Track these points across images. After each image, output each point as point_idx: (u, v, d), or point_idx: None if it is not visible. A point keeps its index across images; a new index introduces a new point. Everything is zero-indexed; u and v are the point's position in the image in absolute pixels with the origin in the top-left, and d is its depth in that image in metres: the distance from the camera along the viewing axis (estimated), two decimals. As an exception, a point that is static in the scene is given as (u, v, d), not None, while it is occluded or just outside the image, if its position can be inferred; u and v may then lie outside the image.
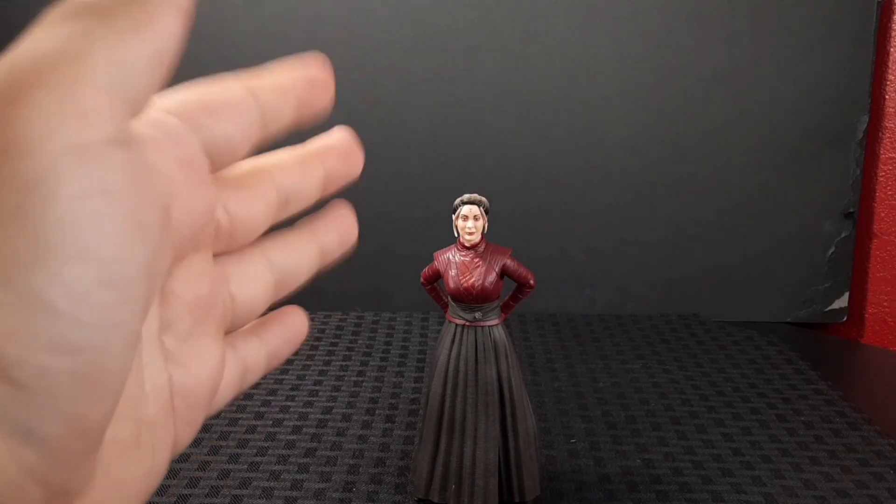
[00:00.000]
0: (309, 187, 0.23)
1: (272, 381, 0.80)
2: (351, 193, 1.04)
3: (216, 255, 0.21)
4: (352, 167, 0.25)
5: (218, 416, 0.72)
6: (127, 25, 0.16)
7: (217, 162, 0.20)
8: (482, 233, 0.56)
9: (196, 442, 0.68)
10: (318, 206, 0.25)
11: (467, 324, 0.56)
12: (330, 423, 0.72)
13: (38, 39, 0.16)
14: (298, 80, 0.22)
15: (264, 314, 0.24)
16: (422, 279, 0.59)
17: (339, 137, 0.25)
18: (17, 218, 0.14)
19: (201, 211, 0.19)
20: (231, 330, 0.22)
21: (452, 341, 0.57)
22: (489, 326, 0.56)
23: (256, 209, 0.22)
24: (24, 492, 0.15)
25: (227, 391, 0.23)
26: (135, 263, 0.16)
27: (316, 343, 0.90)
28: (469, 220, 0.55)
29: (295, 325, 0.25)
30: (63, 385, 0.15)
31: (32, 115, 0.14)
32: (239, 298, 0.22)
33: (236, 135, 0.20)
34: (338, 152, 0.24)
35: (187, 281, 0.20)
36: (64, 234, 0.15)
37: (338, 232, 0.25)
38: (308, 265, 0.24)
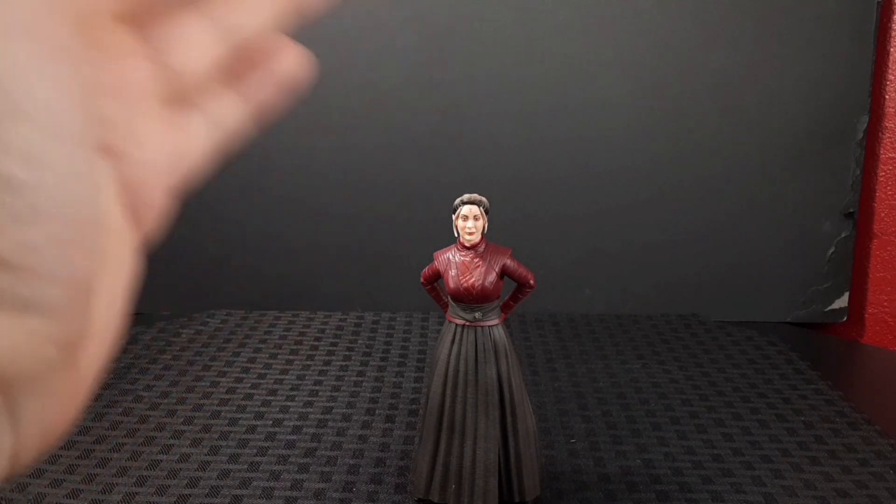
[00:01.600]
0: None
1: (272, 381, 0.80)
2: (351, 194, 1.05)
3: (136, 23, 0.19)
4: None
5: (217, 415, 0.72)
6: None
7: None
8: (482, 233, 0.56)
9: (196, 442, 0.68)
10: None
11: (467, 324, 0.56)
12: (330, 423, 0.72)
13: None
14: None
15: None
16: (422, 279, 0.59)
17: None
18: None
19: None
20: (178, 96, 0.20)
21: (452, 341, 0.57)
22: (489, 326, 0.56)
23: None
24: (39, 353, 0.15)
25: (199, 154, 0.21)
26: (73, 101, 0.15)
27: (316, 343, 0.90)
28: (469, 220, 0.55)
29: (284, 64, 0.23)
30: (45, 251, 0.15)
31: None
32: (174, 64, 0.20)
33: None
34: None
35: (102, 63, 0.18)
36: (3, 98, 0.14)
37: None
38: (265, 11, 0.21)
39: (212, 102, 0.21)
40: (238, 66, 0.22)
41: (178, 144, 0.20)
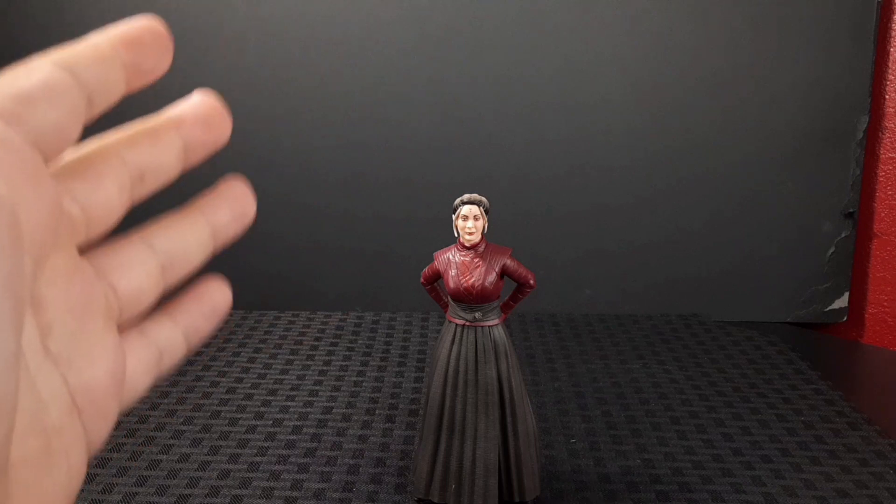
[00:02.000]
0: (165, 159, 0.22)
1: (272, 381, 0.80)
2: (351, 194, 1.05)
3: (86, 250, 0.21)
4: (215, 133, 0.23)
5: (217, 415, 0.72)
6: None
7: (49, 153, 0.19)
8: (482, 233, 0.56)
9: (196, 442, 0.68)
10: (209, 184, 0.24)
11: (467, 324, 0.56)
12: (330, 423, 0.72)
13: None
14: (121, 41, 0.20)
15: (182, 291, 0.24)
16: (422, 279, 0.59)
17: (197, 102, 0.23)
18: None
19: (47, 209, 0.18)
20: (125, 320, 0.22)
21: (452, 341, 0.57)
22: (489, 326, 0.56)
23: (108, 192, 0.20)
24: None
25: (140, 379, 0.22)
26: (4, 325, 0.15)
27: (316, 343, 0.90)
28: (469, 220, 0.55)
29: (214, 298, 0.24)
30: None
31: None
32: (120, 288, 0.21)
33: (62, 120, 0.19)
34: (196, 118, 0.23)
35: (55, 283, 0.19)
36: None
37: (230, 208, 0.24)
38: (198, 246, 0.23)
39: (152, 327, 0.23)
40: (176, 297, 0.23)
41: (124, 366, 0.21)
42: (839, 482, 0.63)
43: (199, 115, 0.23)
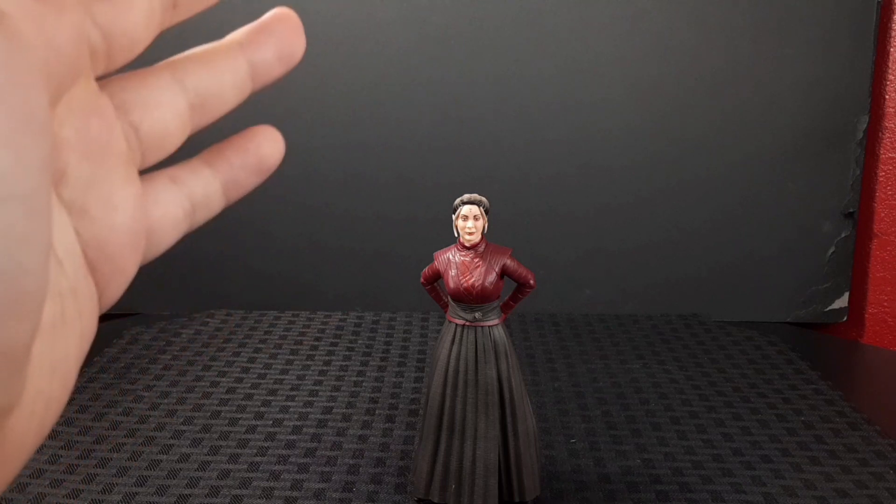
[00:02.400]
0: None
1: (272, 381, 0.80)
2: (351, 194, 1.05)
3: (106, 83, 0.18)
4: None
5: (217, 415, 0.72)
6: None
7: None
8: (482, 233, 0.56)
9: (196, 442, 0.68)
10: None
11: (467, 324, 0.56)
12: (330, 423, 0.72)
13: None
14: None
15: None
16: (422, 279, 0.59)
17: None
18: None
19: (69, 33, 0.16)
20: (147, 164, 0.19)
21: (452, 341, 0.57)
22: (489, 326, 0.56)
23: (134, 16, 0.18)
24: None
25: (167, 230, 0.20)
26: (32, 167, 0.14)
27: (316, 343, 0.90)
28: (469, 220, 0.55)
29: (261, 148, 0.22)
30: None
31: None
32: (143, 128, 0.19)
33: None
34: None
35: (71, 120, 0.17)
36: None
37: (275, 45, 0.21)
38: (234, 83, 0.20)
39: (186, 175, 0.21)
40: (219, 145, 0.21)
41: (150, 212, 0.19)
42: (839, 482, 0.63)
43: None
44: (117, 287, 0.18)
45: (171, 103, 0.19)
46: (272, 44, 0.21)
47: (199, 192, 0.21)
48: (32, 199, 0.14)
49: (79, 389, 0.76)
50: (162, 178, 0.20)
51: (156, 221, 0.19)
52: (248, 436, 0.69)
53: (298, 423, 0.71)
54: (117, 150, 0.18)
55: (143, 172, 0.20)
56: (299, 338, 0.91)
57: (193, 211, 0.21)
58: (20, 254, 0.13)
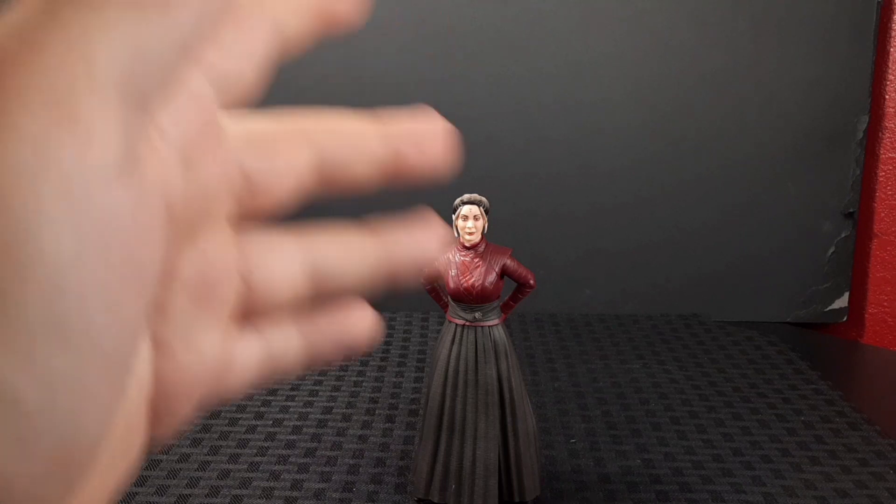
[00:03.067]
0: (360, 159, 0.19)
1: (272, 381, 0.80)
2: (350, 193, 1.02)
3: (237, 230, 0.18)
4: (430, 160, 0.20)
5: (217, 415, 0.72)
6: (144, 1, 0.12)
7: (227, 100, 0.16)
8: (482, 233, 0.56)
9: (196, 442, 0.68)
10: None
11: (467, 324, 0.56)
12: (330, 423, 0.72)
13: (12, 21, 0.12)
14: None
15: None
16: (422, 279, 0.59)
17: (418, 116, 0.20)
18: None
19: (213, 179, 0.16)
20: (245, 316, 0.19)
21: (452, 341, 0.57)
22: (489, 326, 0.56)
23: (282, 167, 0.18)
24: None
25: (241, 377, 0.19)
26: (126, 327, 0.13)
27: (316, 343, 0.90)
28: (469, 220, 0.55)
29: (349, 327, 0.20)
30: (29, 486, 0.12)
31: (8, 135, 0.11)
32: (255, 281, 0.18)
33: (248, 69, 0.17)
34: (410, 133, 0.20)
35: (193, 258, 0.16)
36: (43, 308, 0.12)
37: (415, 240, 0.20)
38: (359, 267, 0.20)
39: (273, 331, 0.19)
40: (313, 307, 0.20)
41: (226, 360, 0.18)
42: (839, 482, 0.63)
43: (414, 130, 0.20)
44: (167, 429, 0.17)
45: (287, 264, 0.19)
46: (409, 249, 0.20)
47: (278, 347, 0.20)
48: (113, 357, 0.13)
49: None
50: (246, 326, 0.19)
51: (229, 369, 0.19)
52: (249, 436, 0.69)
53: (298, 423, 0.71)
54: (222, 292, 0.17)
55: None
56: (299, 338, 0.91)
57: (271, 364, 0.20)
58: (79, 409, 0.13)
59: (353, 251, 0.20)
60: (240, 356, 0.19)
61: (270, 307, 0.19)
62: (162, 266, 0.14)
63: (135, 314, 0.13)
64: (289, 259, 0.19)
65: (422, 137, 0.20)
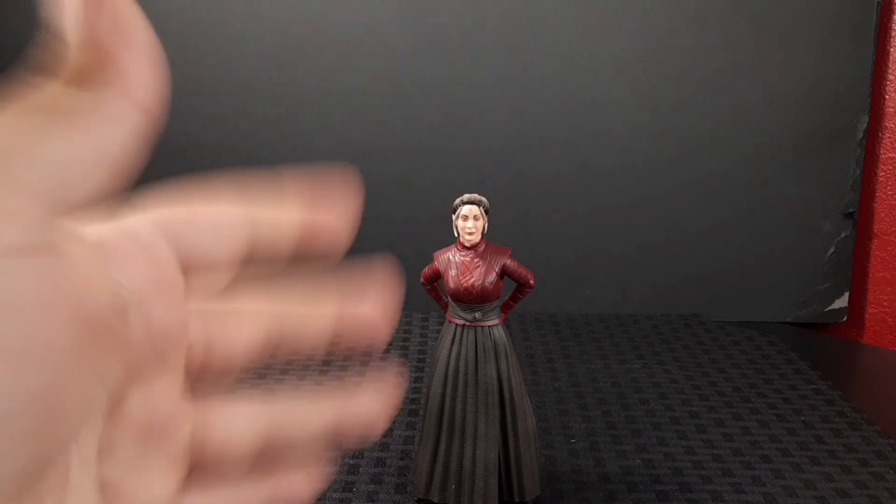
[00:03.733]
0: (308, 338, 0.22)
1: (272, 381, 0.80)
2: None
3: (197, 390, 0.19)
4: (369, 338, 0.22)
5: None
6: (72, 122, 0.15)
7: (195, 278, 0.18)
8: (482, 233, 0.56)
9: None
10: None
11: (467, 324, 0.56)
12: (330, 423, 0.71)
13: None
14: (302, 220, 0.20)
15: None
16: (422, 279, 0.59)
17: (367, 305, 0.22)
18: None
19: (168, 328, 0.17)
20: (198, 468, 0.20)
21: (452, 341, 0.57)
22: (489, 326, 0.56)
23: (238, 339, 0.20)
24: None
25: None
26: (18, 395, 0.13)
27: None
28: (469, 220, 0.55)
29: (292, 486, 0.22)
30: None
31: None
32: (212, 436, 0.19)
33: (218, 255, 0.19)
34: (355, 319, 0.22)
35: (144, 403, 0.17)
36: None
37: (368, 404, 0.22)
38: (308, 432, 0.22)
39: (219, 488, 0.20)
40: (261, 461, 0.22)
41: None
42: (839, 482, 0.63)
43: (358, 317, 0.22)
44: None
45: (243, 424, 0.20)
46: (367, 398, 0.23)
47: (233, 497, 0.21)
48: (6, 425, 0.13)
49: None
50: (204, 481, 0.20)
51: None
52: (248, 436, 0.69)
53: (298, 423, 0.71)
54: (173, 442, 0.18)
55: None
56: (299, 338, 0.91)
57: None
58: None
59: (304, 418, 0.21)
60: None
61: (220, 464, 0.20)
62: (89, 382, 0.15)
63: (31, 386, 0.14)
64: (244, 420, 0.20)
65: (364, 319, 0.23)
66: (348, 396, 0.22)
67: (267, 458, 0.21)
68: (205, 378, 0.19)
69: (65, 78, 0.15)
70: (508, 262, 0.56)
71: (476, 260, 0.56)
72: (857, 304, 1.01)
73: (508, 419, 0.56)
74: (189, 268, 0.18)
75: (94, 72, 0.15)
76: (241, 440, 0.20)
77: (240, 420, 0.20)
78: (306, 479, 0.22)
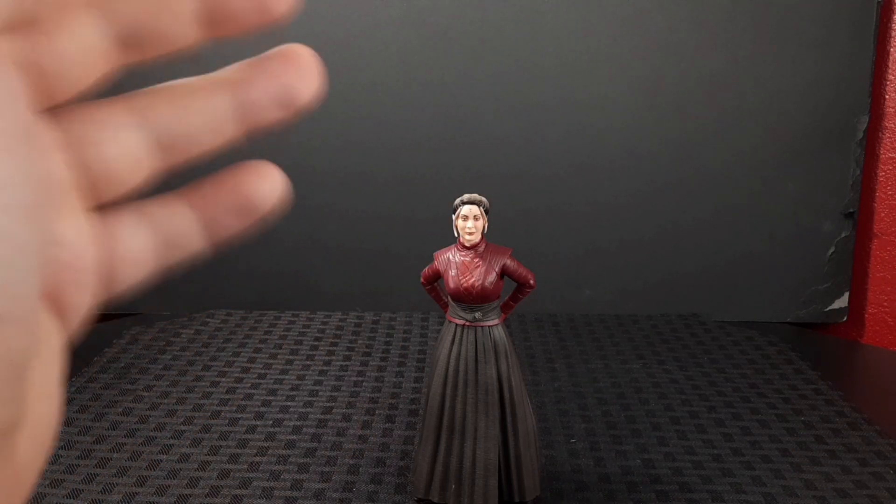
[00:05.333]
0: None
1: (272, 381, 0.80)
2: (351, 193, 1.05)
3: (54, 114, 0.17)
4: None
5: (217, 415, 0.72)
6: None
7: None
8: (482, 233, 0.56)
9: (196, 442, 0.68)
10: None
11: (467, 324, 0.56)
12: (330, 423, 0.72)
13: None
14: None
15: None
16: (422, 279, 0.59)
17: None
18: None
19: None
20: (103, 200, 0.18)
21: (452, 341, 0.57)
22: (489, 326, 0.56)
23: (69, 51, 0.17)
24: None
25: (132, 264, 0.18)
26: (33, 178, 0.14)
27: (316, 343, 0.90)
28: (469, 220, 0.55)
29: (249, 189, 0.19)
30: None
31: None
32: (93, 164, 0.17)
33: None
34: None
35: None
36: None
37: (271, 82, 0.19)
38: (208, 125, 0.18)
39: (158, 211, 0.19)
40: (201, 181, 0.19)
41: (108, 249, 0.18)
42: (839, 482, 0.63)
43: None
44: (71, 323, 0.17)
45: (124, 141, 0.18)
46: (267, 84, 0.19)
47: (172, 230, 0.19)
48: (34, 210, 0.14)
49: (79, 389, 0.76)
50: (127, 213, 0.19)
51: (121, 253, 0.18)
52: (248, 436, 0.69)
53: (298, 423, 0.71)
54: (65, 186, 0.17)
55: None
56: (299, 338, 0.91)
57: (166, 248, 0.19)
58: (18, 262, 0.14)
59: (197, 107, 0.19)
60: (128, 242, 0.18)
61: (124, 186, 0.18)
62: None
63: (40, 168, 0.14)
64: (124, 135, 0.18)
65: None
66: (254, 70, 0.19)
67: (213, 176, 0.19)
68: (53, 103, 0.17)
69: None
70: (508, 262, 0.56)
71: (476, 260, 0.56)
72: (857, 304, 1.01)
73: (508, 419, 0.56)
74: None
75: None
76: (131, 157, 0.18)
77: (120, 137, 0.18)
78: (268, 177, 0.20)
